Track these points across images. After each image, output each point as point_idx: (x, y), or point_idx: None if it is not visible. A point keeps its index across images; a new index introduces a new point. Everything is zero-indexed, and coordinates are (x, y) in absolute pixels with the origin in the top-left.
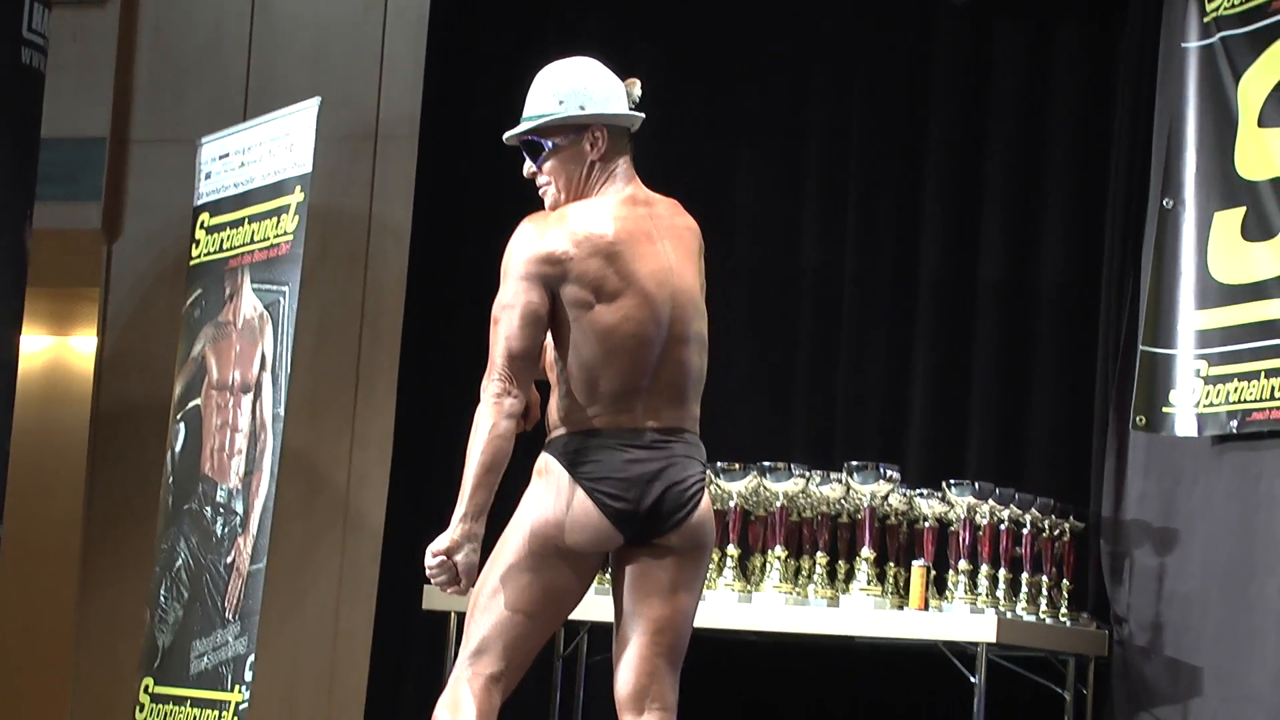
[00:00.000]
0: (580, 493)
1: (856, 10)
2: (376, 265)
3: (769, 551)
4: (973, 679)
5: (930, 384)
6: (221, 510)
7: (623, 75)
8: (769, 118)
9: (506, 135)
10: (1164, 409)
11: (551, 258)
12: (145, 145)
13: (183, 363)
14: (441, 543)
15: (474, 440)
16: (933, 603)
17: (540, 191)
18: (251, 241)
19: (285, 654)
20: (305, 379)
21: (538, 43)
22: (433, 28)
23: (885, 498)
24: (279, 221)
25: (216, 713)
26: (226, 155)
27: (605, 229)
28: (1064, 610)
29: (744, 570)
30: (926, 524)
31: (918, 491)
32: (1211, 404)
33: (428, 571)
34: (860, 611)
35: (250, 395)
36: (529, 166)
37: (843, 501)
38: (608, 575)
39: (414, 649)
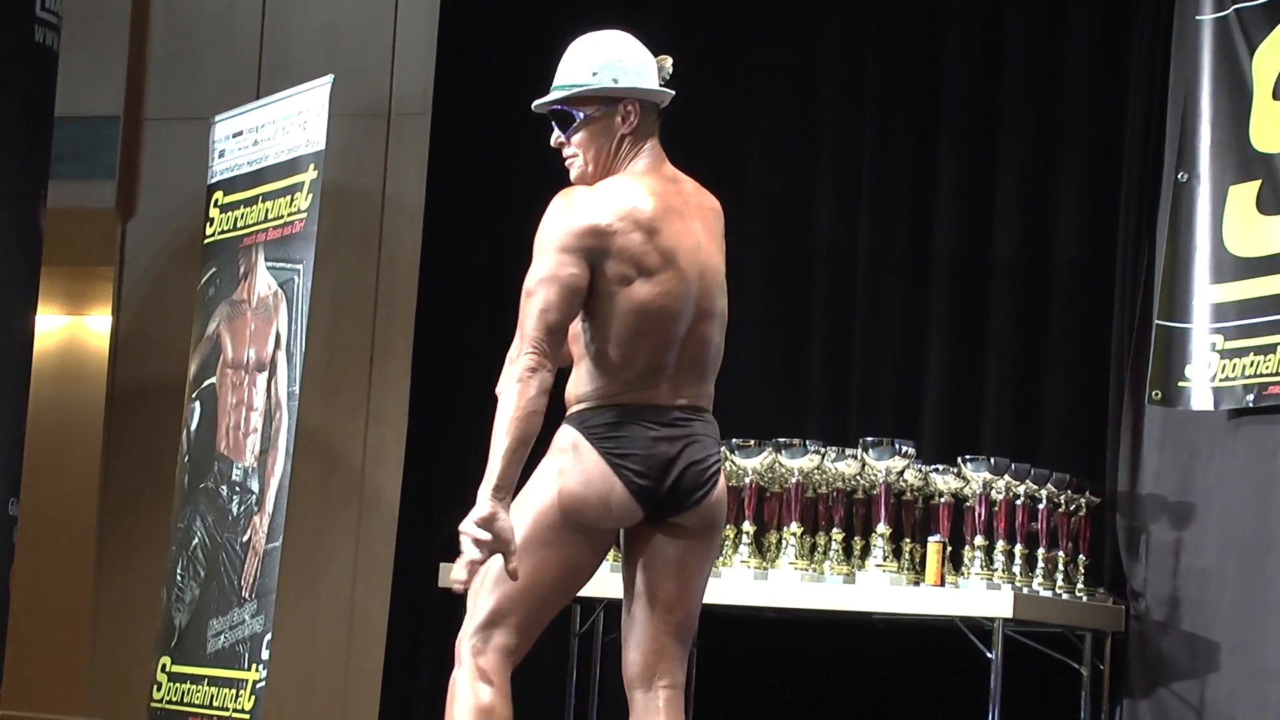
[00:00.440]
0: (606, 468)
1: None
2: (390, 242)
3: (784, 528)
4: (989, 655)
5: (945, 359)
6: (237, 489)
7: None
8: (782, 91)
9: (536, 103)
10: (1180, 383)
11: (595, 230)
12: (159, 124)
13: (197, 341)
14: (480, 512)
15: (505, 413)
16: (949, 579)
17: (566, 162)
18: (265, 220)
19: (302, 632)
20: (320, 357)
21: (550, 18)
22: (445, 4)
23: (901, 473)
24: (293, 199)
25: (234, 691)
26: (240, 133)
27: (645, 204)
28: (1080, 585)
29: (760, 547)
30: (942, 499)
31: (933, 467)
32: (1227, 378)
33: (472, 545)
34: (876, 588)
35: (265, 374)
36: (557, 136)
37: (858, 477)
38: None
39: (430, 626)
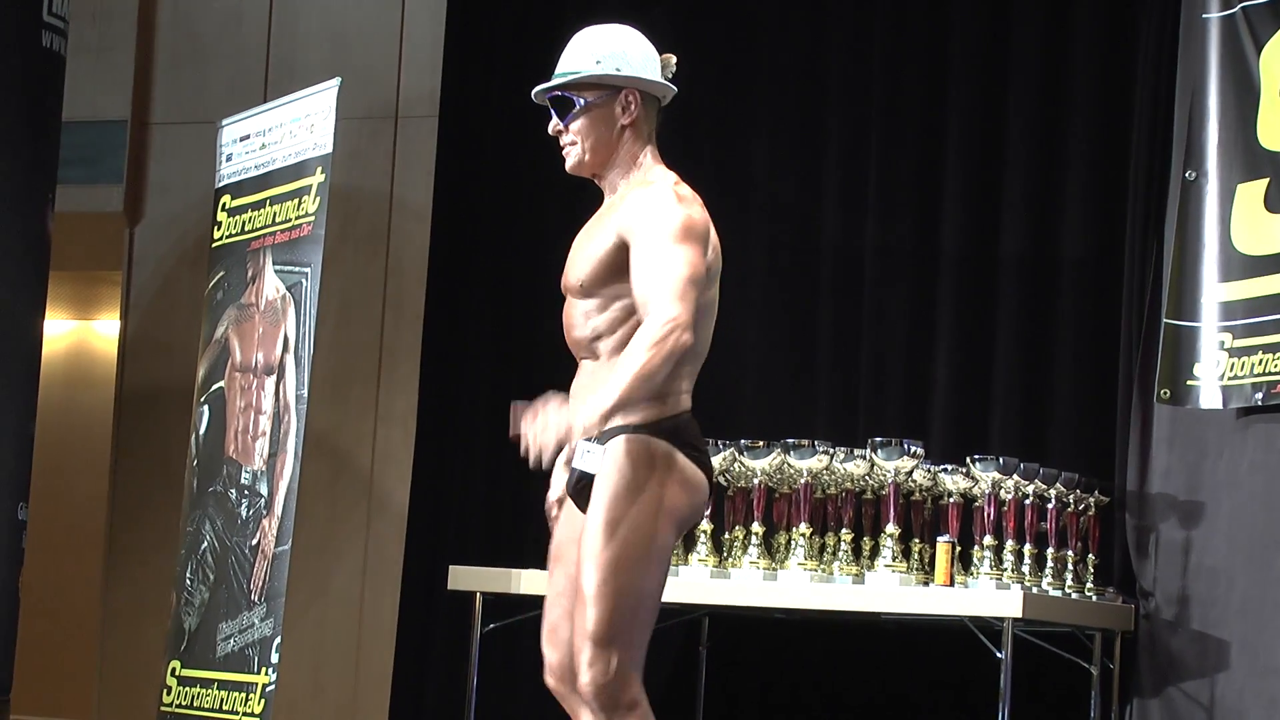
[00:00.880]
0: (704, 480)
1: None
2: (398, 245)
3: (794, 529)
4: (999, 655)
5: (953, 359)
6: (246, 492)
7: None
8: (788, 91)
9: (537, 89)
10: (1188, 382)
11: (709, 228)
12: (166, 127)
13: (206, 345)
14: (591, 419)
15: (652, 353)
16: (958, 579)
17: (563, 150)
18: (273, 223)
19: (311, 635)
20: (328, 360)
21: (557, 20)
22: (452, 6)
23: (910, 474)
24: (300, 202)
25: (244, 695)
26: (247, 137)
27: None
28: (1089, 585)
29: (769, 548)
30: (951, 500)
31: (942, 467)
32: (1236, 376)
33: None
34: (885, 588)
35: (273, 377)
36: (555, 123)
37: (867, 478)
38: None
39: (439, 629)
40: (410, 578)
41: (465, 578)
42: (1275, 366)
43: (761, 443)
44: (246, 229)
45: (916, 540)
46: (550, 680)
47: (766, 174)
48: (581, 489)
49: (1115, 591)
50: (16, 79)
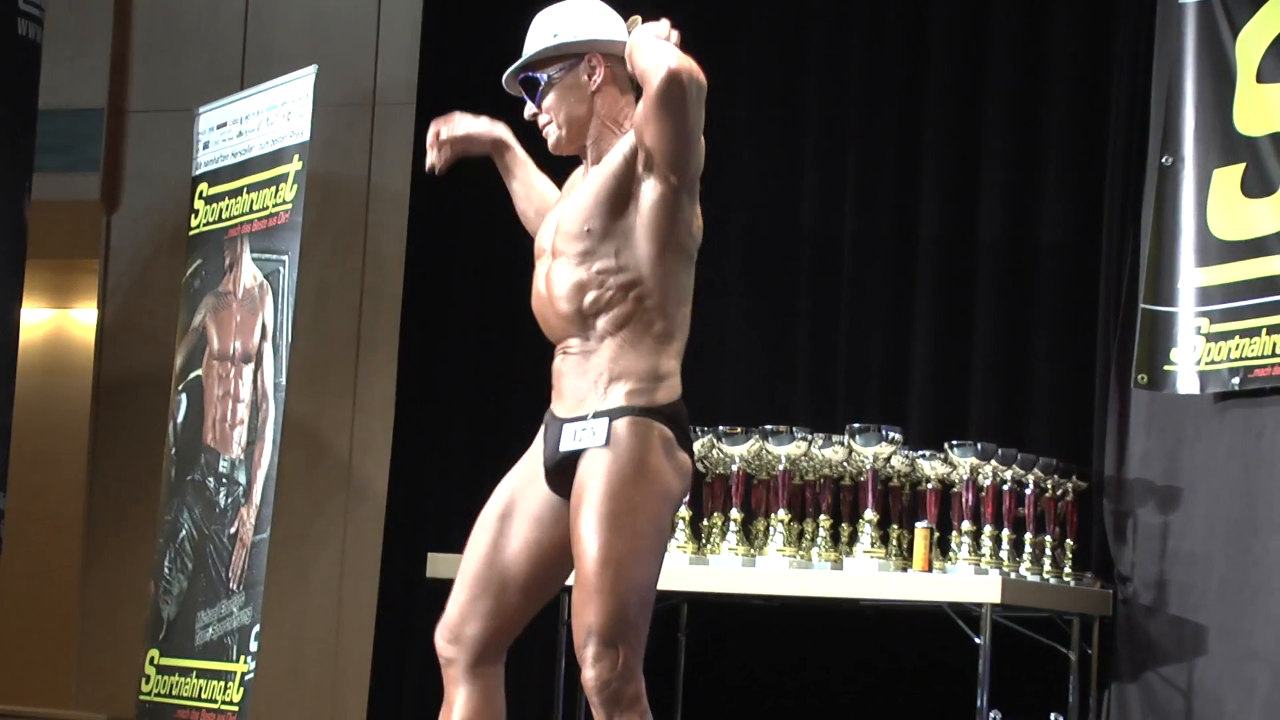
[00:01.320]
0: (690, 468)
1: None
2: (376, 232)
3: (772, 515)
4: (977, 640)
5: (931, 345)
6: (224, 481)
7: None
8: (767, 78)
9: (505, 76)
10: (1165, 367)
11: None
12: (143, 115)
13: (183, 333)
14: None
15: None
16: (936, 564)
17: (542, 132)
18: (250, 211)
19: (290, 624)
20: (306, 348)
21: (534, 7)
22: None
23: (888, 460)
24: (277, 190)
25: (222, 683)
26: (224, 124)
27: None
28: (1068, 570)
29: (747, 534)
30: (929, 485)
31: (920, 453)
32: (1213, 361)
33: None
34: (864, 574)
35: (251, 365)
36: (529, 108)
37: (845, 464)
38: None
39: (418, 617)
40: (389, 565)
41: (444, 565)
42: (1252, 351)
43: (740, 429)
44: (224, 217)
45: (895, 526)
46: (449, 648)
47: (745, 160)
48: (564, 468)
49: (1093, 576)
50: None
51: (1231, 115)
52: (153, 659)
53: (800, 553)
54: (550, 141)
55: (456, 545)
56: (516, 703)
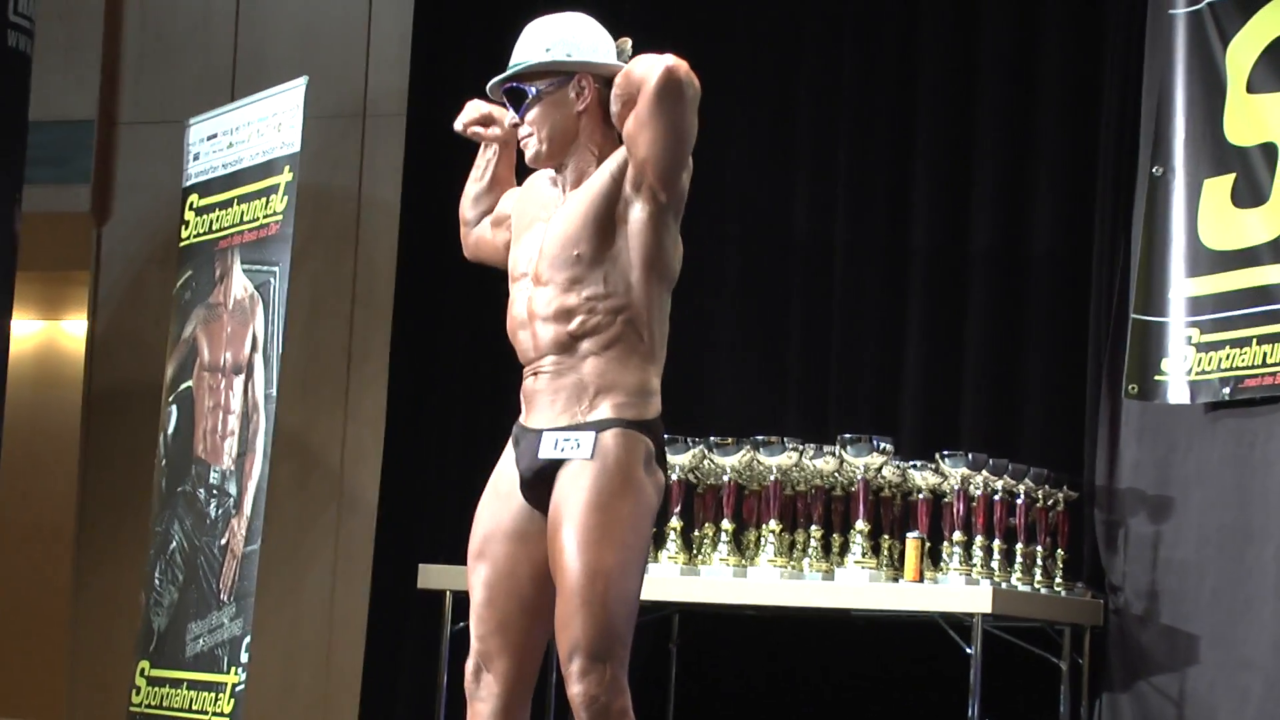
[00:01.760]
0: (663, 484)
1: None
2: (367, 243)
3: (763, 525)
4: (969, 650)
5: (922, 355)
6: (215, 492)
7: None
8: (759, 86)
9: (491, 83)
10: (1156, 377)
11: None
12: (133, 127)
13: (174, 344)
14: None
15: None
16: (927, 574)
17: (522, 143)
18: (241, 222)
19: (281, 635)
20: (297, 359)
21: (525, 18)
22: (419, 4)
23: (879, 470)
24: (268, 201)
25: (213, 695)
26: (215, 136)
27: None
28: (1059, 580)
29: (739, 545)
30: (920, 496)
31: (911, 463)
32: (1204, 371)
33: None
34: (855, 584)
35: (242, 376)
36: (511, 117)
37: (836, 474)
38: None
39: (410, 628)
40: (380, 576)
41: (435, 576)
42: (1243, 361)
43: (731, 440)
44: (214, 228)
45: (886, 536)
46: (482, 688)
47: (736, 170)
48: (542, 479)
49: (1084, 586)
50: None
51: (1222, 125)
52: (143, 670)
53: (791, 563)
54: (529, 154)
55: (448, 556)
56: None
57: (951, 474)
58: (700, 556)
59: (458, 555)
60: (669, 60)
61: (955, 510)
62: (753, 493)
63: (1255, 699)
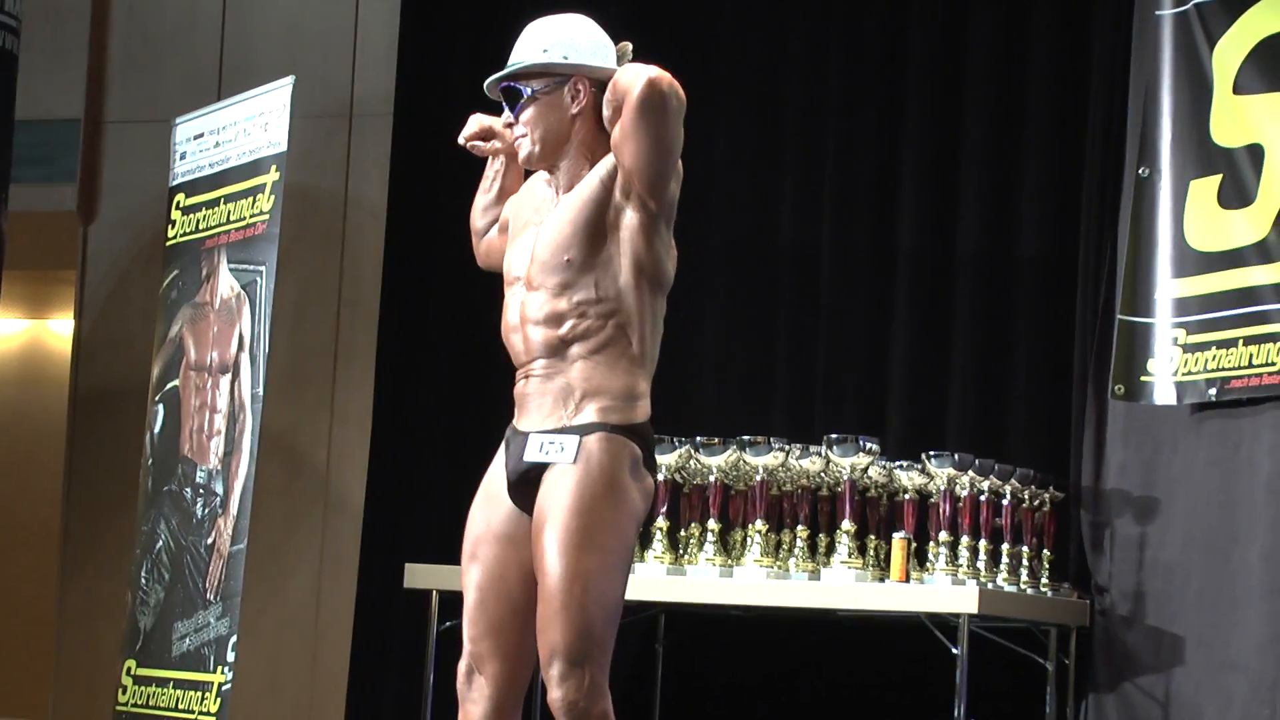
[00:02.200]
0: (653, 489)
1: None
2: (353, 243)
3: (749, 525)
4: (954, 650)
5: (909, 356)
6: (201, 491)
7: None
8: (745, 90)
9: (488, 82)
10: (1142, 378)
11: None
12: (120, 126)
13: (160, 344)
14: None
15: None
16: (914, 575)
17: (515, 143)
18: (228, 221)
19: (267, 634)
20: (283, 359)
21: (512, 18)
22: (406, 4)
23: (865, 470)
24: (255, 201)
25: (199, 694)
26: (201, 135)
27: None
28: (1045, 580)
29: (725, 545)
30: (906, 496)
31: (897, 464)
32: (1190, 372)
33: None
34: (841, 584)
35: (228, 376)
36: (506, 116)
37: (823, 474)
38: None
39: (396, 627)
40: (366, 576)
41: (422, 575)
42: (1229, 362)
43: (717, 440)
44: (201, 228)
45: (872, 537)
46: (473, 690)
47: (723, 172)
48: (528, 481)
49: (1070, 587)
50: None
51: (1208, 126)
52: (130, 669)
53: (778, 563)
54: (522, 154)
55: (434, 556)
56: None
57: (938, 474)
58: (686, 556)
59: (444, 555)
60: (651, 72)
61: (941, 510)
62: (739, 493)
63: (1240, 700)
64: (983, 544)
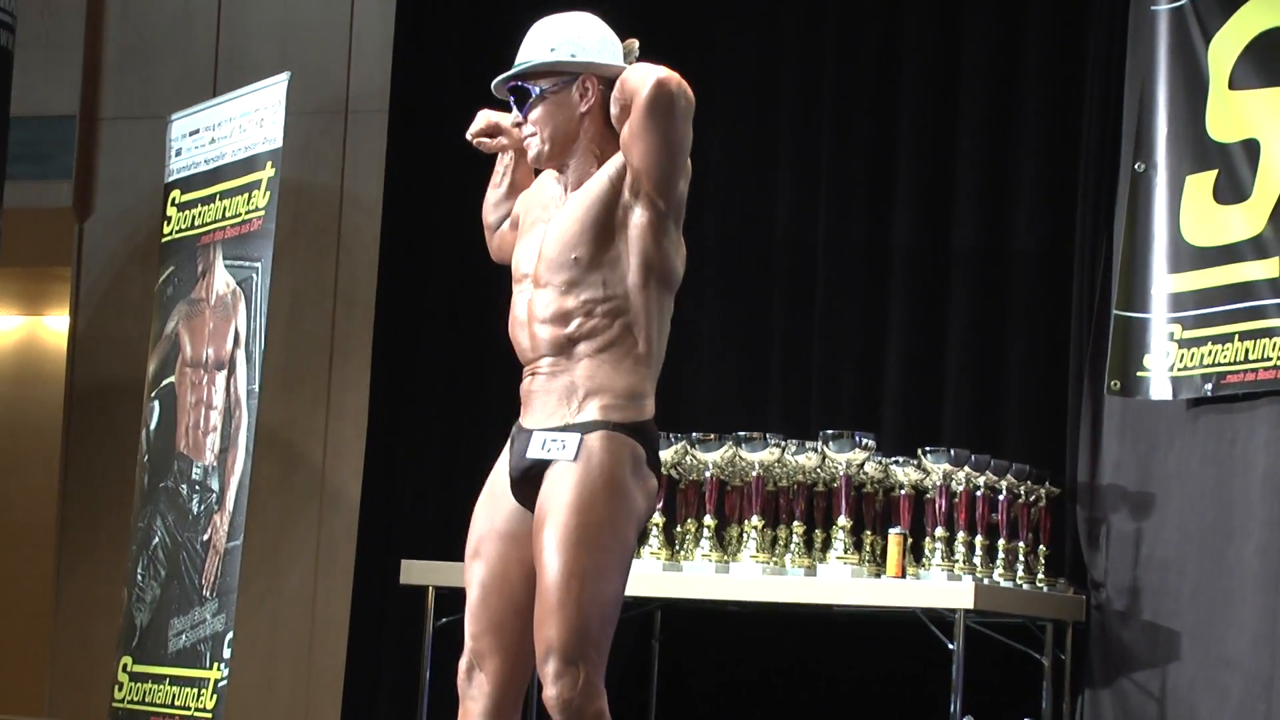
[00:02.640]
0: (656, 488)
1: None
2: (349, 239)
3: (745, 521)
4: (951, 646)
5: (905, 351)
6: (197, 488)
7: None
8: (741, 84)
9: (495, 81)
10: (1138, 373)
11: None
12: (115, 122)
13: (156, 340)
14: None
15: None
16: (910, 570)
17: (524, 142)
18: (223, 218)
19: (264, 631)
20: (279, 355)
21: (507, 13)
22: (401, 0)
23: (861, 466)
24: (250, 197)
25: (195, 690)
26: (197, 131)
27: None
28: (1041, 576)
29: (721, 540)
30: (903, 491)
31: (893, 459)
32: (1186, 367)
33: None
34: (838, 580)
35: (224, 372)
36: (515, 115)
37: (819, 470)
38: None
39: (392, 624)
40: (362, 572)
41: (418, 572)
42: (1225, 358)
43: (713, 435)
44: (196, 224)
45: (868, 532)
46: (474, 687)
47: (719, 167)
48: (530, 478)
49: (1066, 582)
50: None
51: (1204, 122)
52: (126, 666)
53: (774, 559)
54: (531, 154)
55: (430, 552)
56: None
57: (934, 470)
58: (683, 552)
59: (440, 551)
60: (660, 73)
61: (937, 506)
62: (735, 488)
63: (1235, 695)
64: (979, 539)
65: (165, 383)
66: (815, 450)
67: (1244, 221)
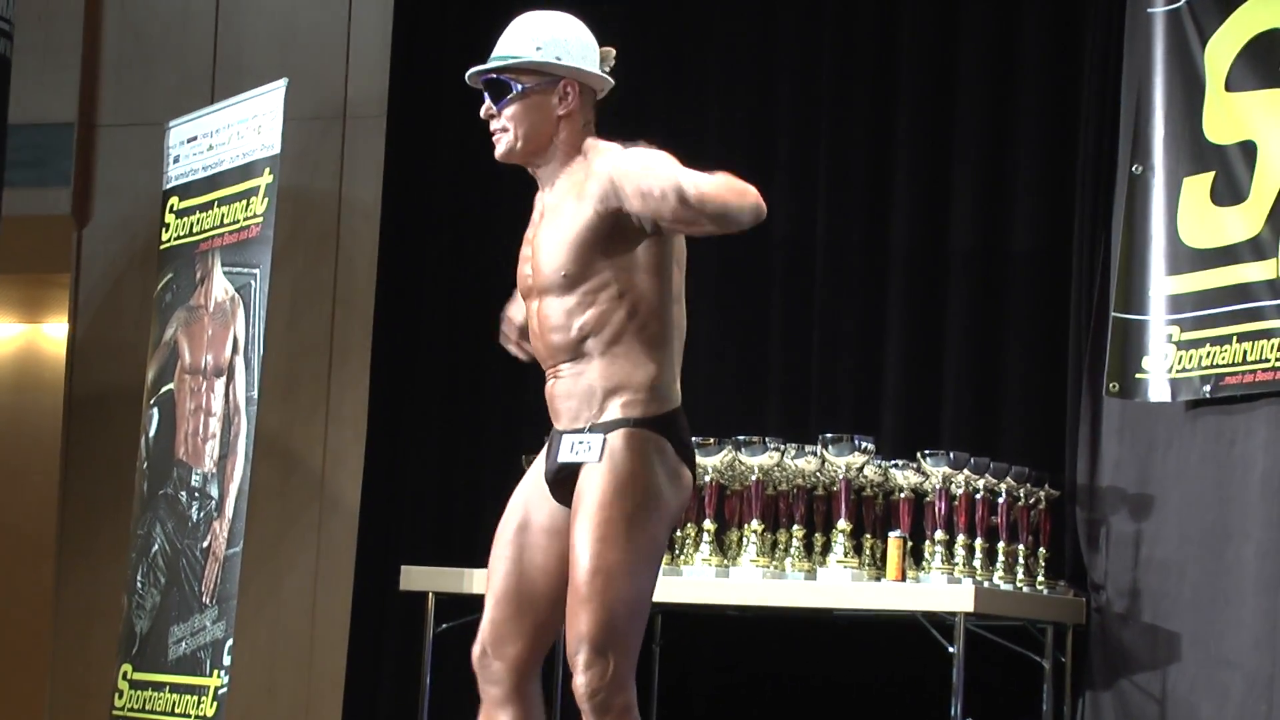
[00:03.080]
0: (690, 479)
1: None
2: (347, 245)
3: (745, 525)
4: (951, 649)
5: (903, 354)
6: (197, 494)
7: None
8: (738, 84)
9: (472, 70)
10: (1137, 375)
11: None
12: (113, 129)
13: (155, 347)
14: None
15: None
16: (910, 573)
17: (494, 137)
18: (221, 224)
19: (264, 637)
20: (278, 361)
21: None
22: (399, 6)
23: (860, 469)
24: (248, 204)
25: (196, 698)
26: (195, 138)
27: None
28: (1041, 579)
29: (721, 545)
30: (902, 495)
31: (893, 463)
32: (1184, 369)
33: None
34: (838, 584)
35: (223, 379)
36: (488, 106)
37: (818, 474)
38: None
39: (392, 629)
40: (362, 578)
41: (418, 578)
42: (1223, 359)
43: (712, 440)
44: (195, 231)
45: (868, 536)
46: (493, 671)
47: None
48: (563, 479)
49: (1066, 585)
50: None
51: (1201, 123)
52: (126, 674)
53: (774, 563)
54: (500, 149)
55: (430, 558)
56: None
57: (933, 473)
58: (683, 556)
59: (440, 557)
60: (758, 203)
61: (937, 509)
62: (734, 493)
63: (1236, 697)
64: (978, 542)
65: (164, 389)
66: (814, 454)
67: (1241, 223)
